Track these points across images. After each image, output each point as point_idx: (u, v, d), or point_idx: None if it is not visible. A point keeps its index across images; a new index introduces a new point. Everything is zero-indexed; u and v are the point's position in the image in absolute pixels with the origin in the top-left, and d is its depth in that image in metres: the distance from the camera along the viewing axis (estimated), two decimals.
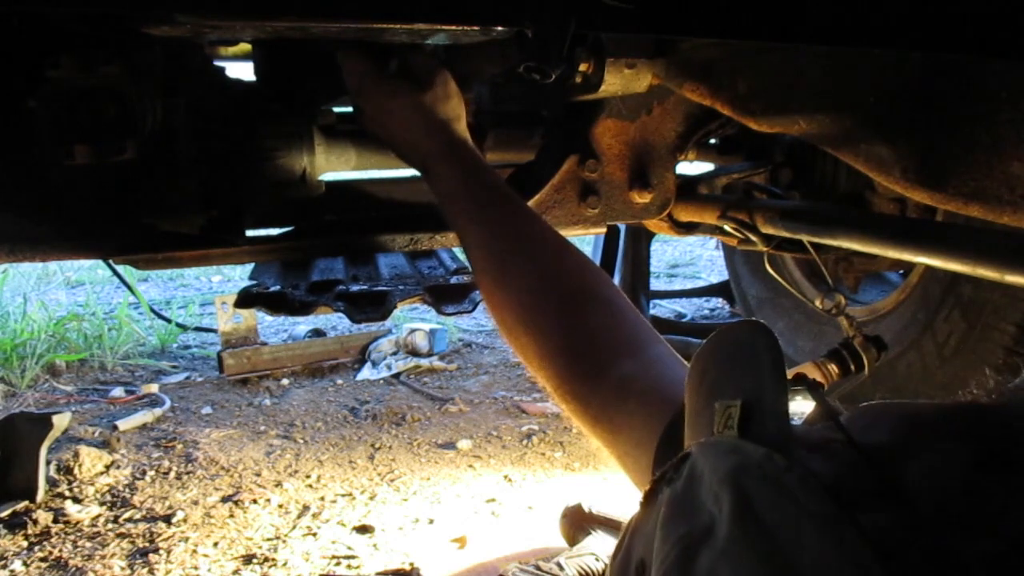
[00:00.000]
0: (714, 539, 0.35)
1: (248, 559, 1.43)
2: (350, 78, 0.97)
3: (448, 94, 0.95)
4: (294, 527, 1.55)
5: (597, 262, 2.97)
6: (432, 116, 0.93)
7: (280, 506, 1.64)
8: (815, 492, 0.34)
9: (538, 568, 1.20)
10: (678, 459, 0.43)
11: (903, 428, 0.41)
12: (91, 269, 4.02)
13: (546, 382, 0.74)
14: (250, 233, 1.08)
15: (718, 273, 3.82)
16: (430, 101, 0.93)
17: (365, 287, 1.20)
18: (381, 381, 2.47)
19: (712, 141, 1.50)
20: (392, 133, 0.96)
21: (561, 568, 1.20)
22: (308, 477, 1.78)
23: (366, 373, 2.53)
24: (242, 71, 1.11)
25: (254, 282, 1.20)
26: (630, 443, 0.64)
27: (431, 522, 1.56)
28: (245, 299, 1.15)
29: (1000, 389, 0.46)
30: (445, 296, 1.19)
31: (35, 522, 1.55)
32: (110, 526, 1.57)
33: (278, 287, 1.18)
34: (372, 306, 1.14)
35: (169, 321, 2.95)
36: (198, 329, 3.03)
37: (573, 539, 1.31)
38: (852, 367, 1.32)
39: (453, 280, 1.26)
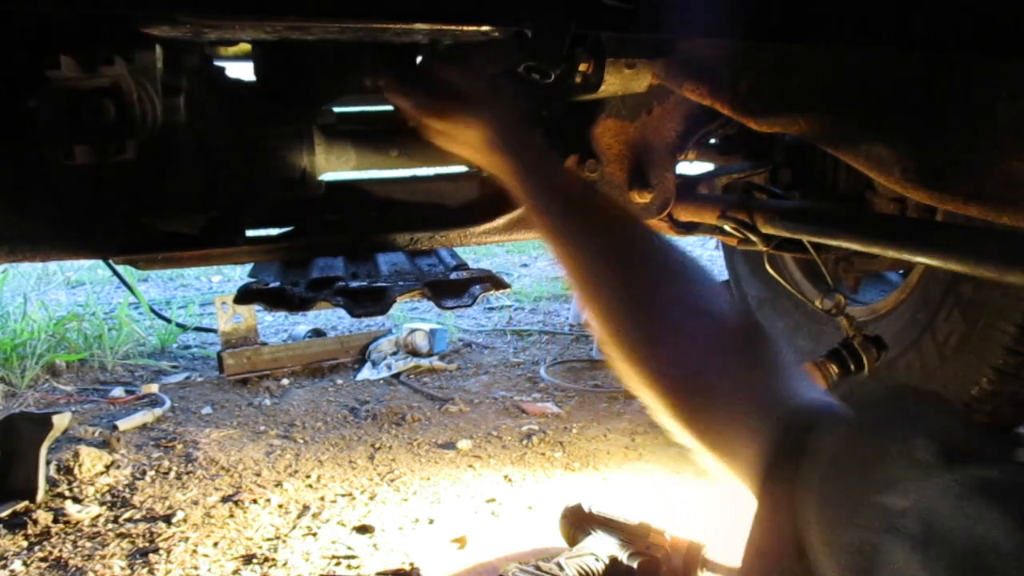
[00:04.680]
0: None
1: (248, 559, 1.43)
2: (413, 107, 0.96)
3: (489, 105, 0.91)
4: (294, 527, 1.55)
5: None
6: (494, 128, 0.89)
7: (280, 506, 1.64)
8: None
9: (538, 568, 1.20)
10: None
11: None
12: (91, 269, 4.02)
13: (648, 394, 0.70)
14: (250, 233, 1.08)
15: (718, 273, 3.82)
16: (481, 119, 0.90)
17: (365, 283, 1.20)
18: (381, 381, 2.47)
19: (712, 141, 1.50)
20: (461, 152, 0.95)
21: (561, 568, 1.20)
22: (308, 477, 1.78)
23: (366, 373, 2.53)
24: (242, 71, 1.11)
25: (253, 279, 1.21)
26: (733, 449, 0.62)
27: (431, 522, 1.56)
28: (244, 295, 1.15)
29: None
30: (445, 291, 1.20)
31: (35, 522, 1.55)
32: (110, 526, 1.57)
33: (277, 284, 1.18)
34: (372, 301, 1.14)
35: (169, 321, 2.95)
36: (198, 329, 3.03)
37: (573, 539, 1.31)
38: (852, 367, 1.32)
39: (452, 276, 1.26)
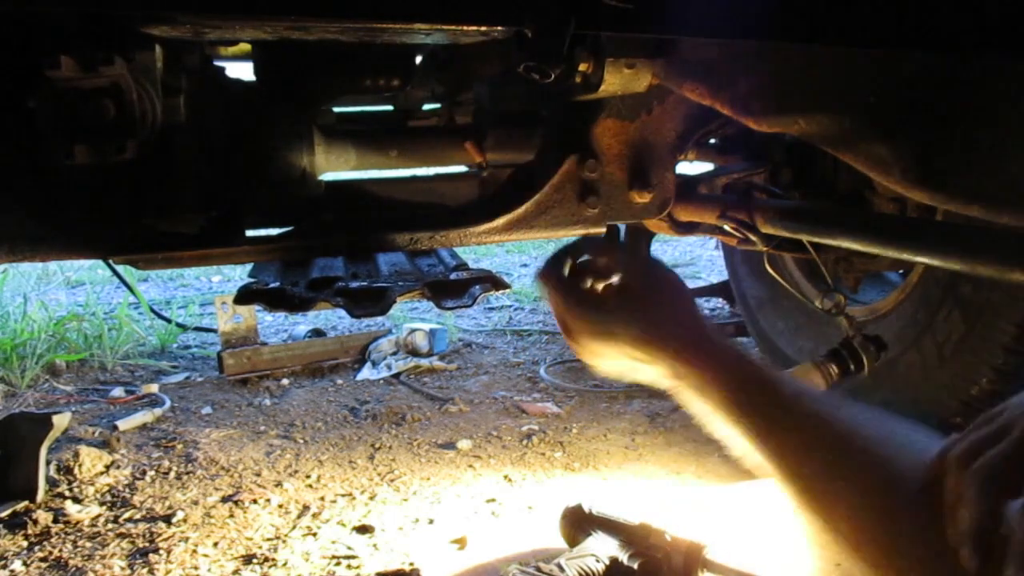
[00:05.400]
0: None
1: (248, 559, 1.43)
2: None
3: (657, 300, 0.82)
4: (294, 527, 1.55)
5: None
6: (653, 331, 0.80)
7: (280, 506, 1.64)
8: None
9: (538, 569, 1.20)
10: None
11: None
12: (91, 269, 4.02)
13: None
14: (250, 233, 1.08)
15: (718, 273, 3.82)
16: (664, 354, 0.79)
17: (365, 283, 1.20)
18: (381, 381, 2.47)
19: (712, 141, 1.50)
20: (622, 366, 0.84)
21: (562, 569, 1.20)
22: (308, 477, 1.78)
23: (366, 373, 2.53)
24: (242, 71, 1.11)
25: (253, 279, 1.21)
26: None
27: (431, 522, 1.56)
28: (244, 295, 1.15)
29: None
30: (444, 291, 1.20)
31: (35, 522, 1.55)
32: (110, 526, 1.57)
33: (277, 284, 1.18)
34: (371, 301, 1.14)
35: (169, 321, 2.95)
36: (198, 329, 3.03)
37: (573, 540, 1.31)
38: (852, 367, 1.33)
39: (452, 276, 1.26)
